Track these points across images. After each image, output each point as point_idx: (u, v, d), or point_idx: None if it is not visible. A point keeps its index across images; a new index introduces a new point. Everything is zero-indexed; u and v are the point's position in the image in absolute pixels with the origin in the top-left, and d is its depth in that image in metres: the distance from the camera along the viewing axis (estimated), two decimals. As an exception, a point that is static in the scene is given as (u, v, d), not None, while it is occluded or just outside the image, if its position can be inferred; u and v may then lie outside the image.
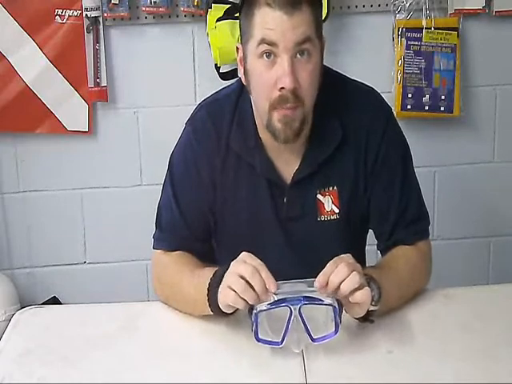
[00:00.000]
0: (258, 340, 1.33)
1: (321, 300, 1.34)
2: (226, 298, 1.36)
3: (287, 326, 1.32)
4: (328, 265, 1.35)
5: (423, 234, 1.64)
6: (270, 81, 1.44)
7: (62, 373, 1.36)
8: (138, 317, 1.54)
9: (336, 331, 1.33)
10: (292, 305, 1.32)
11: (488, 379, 1.30)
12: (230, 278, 1.36)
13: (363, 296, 1.34)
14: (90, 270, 2.80)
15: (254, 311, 1.33)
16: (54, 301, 2.77)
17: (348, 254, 1.39)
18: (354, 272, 1.33)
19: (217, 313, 1.41)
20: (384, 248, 1.63)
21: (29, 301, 2.66)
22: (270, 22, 1.41)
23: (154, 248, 1.65)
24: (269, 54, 1.43)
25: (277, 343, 1.34)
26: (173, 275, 1.56)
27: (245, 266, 1.35)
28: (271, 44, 1.42)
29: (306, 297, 1.33)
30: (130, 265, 2.61)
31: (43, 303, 2.71)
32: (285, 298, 1.33)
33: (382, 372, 1.33)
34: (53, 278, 2.79)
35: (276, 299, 1.33)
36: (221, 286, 1.38)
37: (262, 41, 1.42)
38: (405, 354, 1.37)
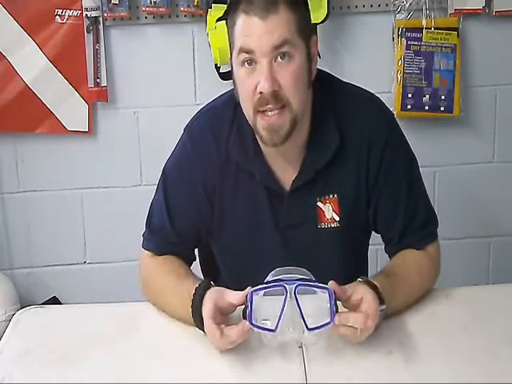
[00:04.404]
0: (252, 324, 1.31)
1: (316, 283, 1.34)
2: (220, 347, 1.38)
3: (282, 308, 1.31)
4: (355, 293, 1.37)
5: (432, 238, 1.63)
6: (251, 86, 1.44)
7: (62, 373, 1.36)
8: (137, 317, 1.54)
9: (332, 319, 1.32)
10: (287, 285, 1.32)
11: (488, 379, 1.30)
12: (216, 345, 1.38)
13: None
14: (89, 269, 2.80)
15: (249, 291, 1.33)
16: (54, 301, 2.77)
17: (375, 303, 1.37)
18: (365, 332, 1.35)
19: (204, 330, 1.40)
20: (393, 252, 1.62)
21: (29, 301, 2.66)
22: (246, 29, 1.43)
23: (142, 247, 1.65)
24: (249, 61, 1.44)
25: (271, 330, 1.32)
26: (158, 284, 1.56)
27: (219, 343, 1.36)
28: (249, 52, 1.43)
29: (301, 279, 1.34)
30: (130, 265, 2.61)
31: (43, 303, 2.72)
32: (280, 279, 1.33)
33: (382, 372, 1.33)
34: (53, 278, 2.79)
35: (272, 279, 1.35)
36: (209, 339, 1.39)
37: (241, 49, 1.44)
38: (405, 354, 1.37)
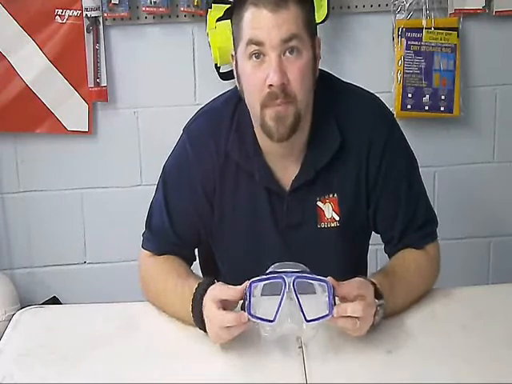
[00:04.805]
0: (250, 314, 1.32)
1: (314, 275, 1.34)
2: (217, 340, 1.38)
3: (281, 299, 1.31)
4: (351, 287, 1.37)
5: (432, 237, 1.62)
6: (260, 80, 1.44)
7: (62, 373, 1.36)
8: (137, 317, 1.54)
9: (330, 312, 1.32)
10: (286, 276, 1.32)
11: (487, 379, 1.30)
12: (213, 337, 1.39)
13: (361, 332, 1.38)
14: (90, 269, 2.80)
15: (248, 283, 1.34)
16: (54, 301, 2.77)
17: (371, 289, 1.39)
18: (365, 322, 1.36)
19: (204, 330, 1.41)
20: (392, 252, 1.61)
21: (29, 301, 2.66)
22: (256, 21, 1.42)
23: (142, 247, 1.66)
24: (257, 54, 1.43)
25: (269, 321, 1.32)
26: (158, 283, 1.56)
27: (216, 331, 1.37)
28: (258, 44, 1.42)
29: (299, 271, 1.34)
30: (130, 265, 2.60)
31: (43, 303, 2.71)
32: (279, 271, 1.34)
33: (381, 372, 1.33)
34: (53, 278, 2.79)
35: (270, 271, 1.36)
36: (207, 328, 1.39)
37: (250, 41, 1.43)
38: (405, 354, 1.37)
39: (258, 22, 1.42)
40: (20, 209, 2.74)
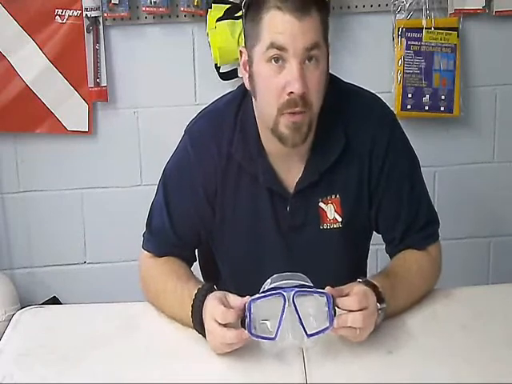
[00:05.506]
0: (251, 333, 1.31)
1: (314, 289, 1.34)
2: (217, 351, 1.38)
3: (281, 316, 1.30)
4: (353, 301, 1.35)
5: (433, 238, 1.62)
6: (279, 85, 1.42)
7: (62, 373, 1.36)
8: (137, 317, 1.54)
9: (331, 324, 1.32)
10: (285, 292, 1.31)
11: (487, 379, 1.30)
12: (213, 348, 1.38)
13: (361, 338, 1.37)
14: (90, 269, 2.80)
15: (247, 301, 1.33)
16: (54, 301, 2.78)
17: (373, 299, 1.38)
18: (365, 330, 1.35)
19: (204, 336, 1.40)
20: (394, 253, 1.61)
21: (29, 301, 2.66)
22: (279, 25, 1.40)
23: (142, 247, 1.65)
24: (277, 58, 1.41)
25: (271, 338, 1.32)
26: (157, 284, 1.56)
27: (216, 345, 1.37)
28: (280, 49, 1.40)
29: (299, 285, 1.33)
30: (130, 265, 2.60)
31: (43, 303, 2.71)
32: (278, 287, 1.33)
33: (381, 372, 1.33)
34: (53, 278, 2.79)
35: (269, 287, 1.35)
36: (208, 339, 1.39)
37: (272, 45, 1.41)
38: (405, 354, 1.37)
39: (281, 26, 1.40)
40: (20, 209, 2.74)
